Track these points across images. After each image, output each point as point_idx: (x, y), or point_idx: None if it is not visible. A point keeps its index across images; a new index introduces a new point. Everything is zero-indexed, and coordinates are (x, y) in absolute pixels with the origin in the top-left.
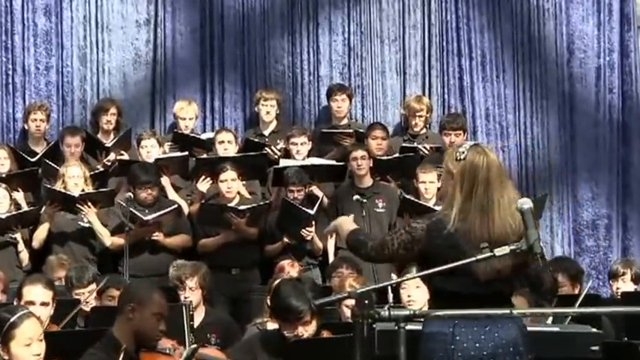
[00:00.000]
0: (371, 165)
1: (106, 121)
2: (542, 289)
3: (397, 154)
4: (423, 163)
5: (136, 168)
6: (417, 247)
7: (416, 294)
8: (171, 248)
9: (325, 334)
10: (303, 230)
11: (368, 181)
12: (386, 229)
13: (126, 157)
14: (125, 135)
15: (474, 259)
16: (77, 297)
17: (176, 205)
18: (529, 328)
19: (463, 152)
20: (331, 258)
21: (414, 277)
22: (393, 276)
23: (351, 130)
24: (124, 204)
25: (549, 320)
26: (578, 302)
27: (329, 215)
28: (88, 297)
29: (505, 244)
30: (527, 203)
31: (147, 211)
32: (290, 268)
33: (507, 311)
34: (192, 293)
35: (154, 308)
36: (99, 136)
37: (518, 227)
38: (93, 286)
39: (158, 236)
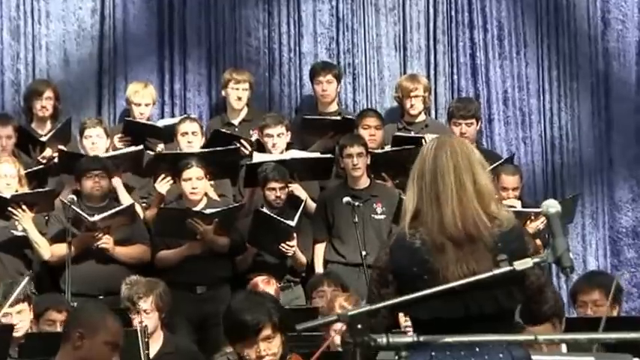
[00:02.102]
0: (368, 162)
1: (40, 107)
2: (542, 309)
3: (390, 147)
4: None
5: (80, 159)
6: (390, 277)
7: None
8: (125, 261)
9: (294, 358)
10: (283, 245)
11: (364, 182)
12: (386, 238)
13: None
14: (63, 127)
15: (488, 274)
16: None
17: (129, 204)
18: (555, 359)
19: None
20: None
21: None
22: None
23: (339, 117)
24: (67, 202)
25: (563, 348)
26: (602, 325)
27: (316, 223)
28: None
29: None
30: (553, 206)
31: (95, 215)
32: (265, 285)
33: (532, 337)
34: (146, 317)
35: (106, 336)
36: (33, 125)
37: (506, 222)
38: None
39: (107, 243)
